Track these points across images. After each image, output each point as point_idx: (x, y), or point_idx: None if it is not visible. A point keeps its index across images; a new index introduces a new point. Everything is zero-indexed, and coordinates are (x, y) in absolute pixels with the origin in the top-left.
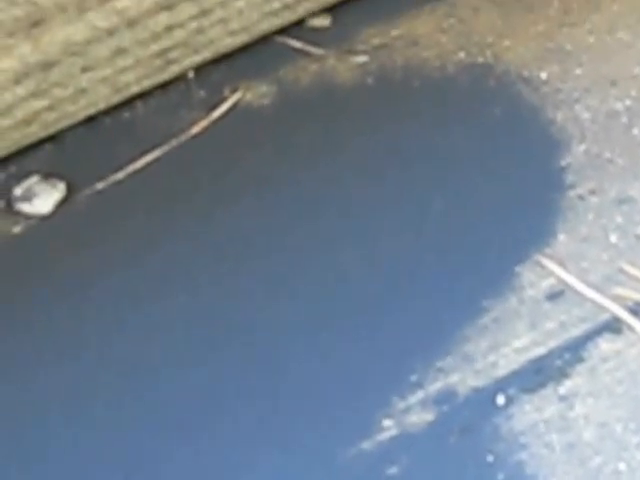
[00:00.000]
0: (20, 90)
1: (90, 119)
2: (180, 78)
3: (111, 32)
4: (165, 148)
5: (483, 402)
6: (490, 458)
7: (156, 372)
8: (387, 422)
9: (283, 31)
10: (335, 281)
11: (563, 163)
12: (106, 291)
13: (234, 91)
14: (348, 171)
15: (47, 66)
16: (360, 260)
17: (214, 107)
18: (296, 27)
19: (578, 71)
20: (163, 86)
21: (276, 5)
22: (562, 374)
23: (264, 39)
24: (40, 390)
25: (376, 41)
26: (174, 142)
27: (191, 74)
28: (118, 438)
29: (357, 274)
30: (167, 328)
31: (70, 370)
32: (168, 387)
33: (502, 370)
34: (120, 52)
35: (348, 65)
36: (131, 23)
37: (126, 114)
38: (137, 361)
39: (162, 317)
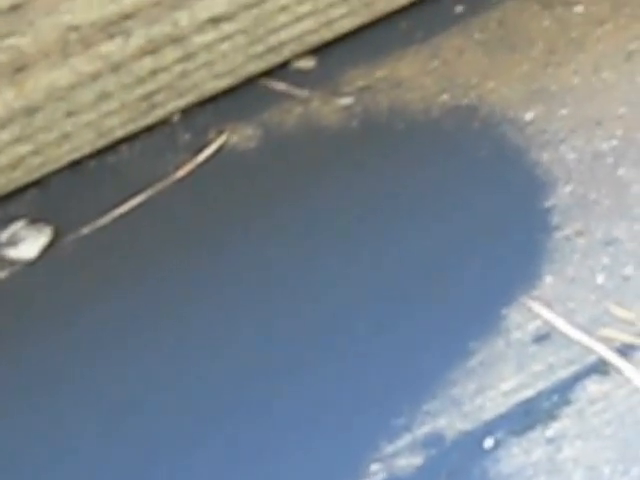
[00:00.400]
0: (4, 135)
1: (75, 163)
2: (165, 121)
3: (95, 77)
4: (151, 192)
5: (471, 445)
6: None
7: (141, 408)
8: (375, 466)
9: (268, 73)
10: (321, 323)
11: (549, 204)
12: (92, 335)
13: (219, 134)
14: (333, 212)
15: (31, 111)
16: (346, 302)
17: (199, 150)
18: (281, 69)
19: (563, 112)
20: (148, 129)
21: (260, 48)
22: (550, 416)
23: (249, 82)
24: (26, 426)
25: (360, 83)
26: (160, 186)
27: (176, 117)
28: (106, 473)
29: (343, 316)
30: (153, 370)
31: (55, 411)
32: (149, 430)
33: (490, 413)
34: (105, 96)
35: (333, 107)
36: (115, 68)
37: (111, 158)
38: (123, 400)
39: (149, 363)
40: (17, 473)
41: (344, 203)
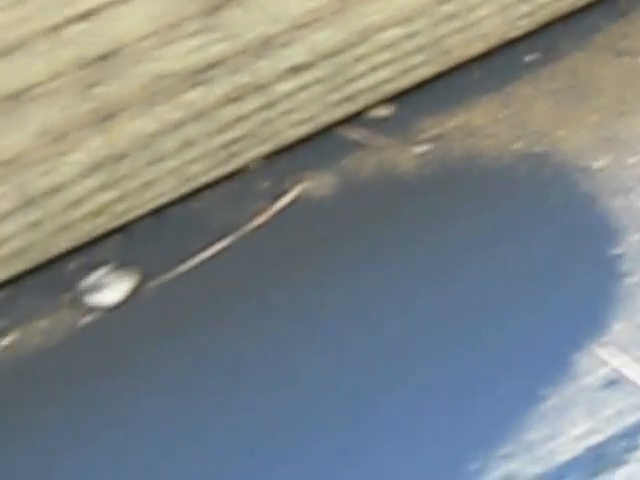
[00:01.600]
0: (90, 183)
1: (158, 210)
2: (245, 169)
3: (179, 125)
4: (231, 239)
5: None
6: None
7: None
8: None
9: (344, 122)
10: (401, 371)
11: (618, 251)
12: (172, 382)
13: (297, 182)
14: (409, 257)
15: (117, 159)
16: (423, 353)
17: (277, 198)
18: (357, 118)
19: (632, 160)
20: (228, 177)
21: (338, 97)
22: (620, 461)
23: (326, 130)
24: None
25: (435, 131)
26: (239, 233)
27: (256, 165)
28: None
29: (422, 366)
30: (231, 415)
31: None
32: None
33: (561, 457)
34: (188, 144)
35: (408, 155)
36: (199, 116)
37: (193, 205)
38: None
39: (228, 408)
40: None
41: (419, 249)
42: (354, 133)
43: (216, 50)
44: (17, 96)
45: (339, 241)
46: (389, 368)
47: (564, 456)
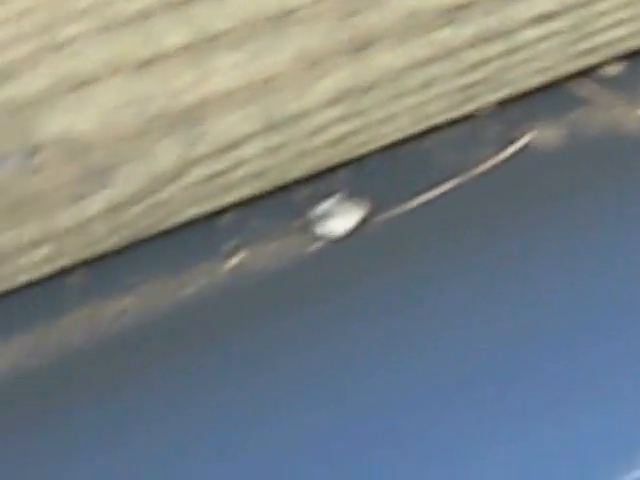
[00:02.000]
0: (333, 112)
1: (390, 146)
2: (476, 114)
3: (425, 63)
4: (456, 181)
5: None
6: None
7: None
8: None
9: (575, 76)
10: (576, 339)
11: None
12: (387, 312)
13: (524, 133)
14: (623, 221)
15: (362, 90)
16: (603, 323)
17: (504, 146)
18: (587, 73)
19: None
20: (459, 120)
21: (576, 49)
22: None
23: (557, 82)
24: None
25: None
26: (465, 177)
27: (487, 111)
28: None
29: (599, 332)
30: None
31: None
32: None
33: None
34: (429, 83)
35: (634, 116)
36: (444, 56)
37: (421, 145)
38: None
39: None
40: None
41: (635, 209)
42: (583, 89)
43: None
44: (280, 18)
45: (560, 195)
46: (570, 334)
47: None
